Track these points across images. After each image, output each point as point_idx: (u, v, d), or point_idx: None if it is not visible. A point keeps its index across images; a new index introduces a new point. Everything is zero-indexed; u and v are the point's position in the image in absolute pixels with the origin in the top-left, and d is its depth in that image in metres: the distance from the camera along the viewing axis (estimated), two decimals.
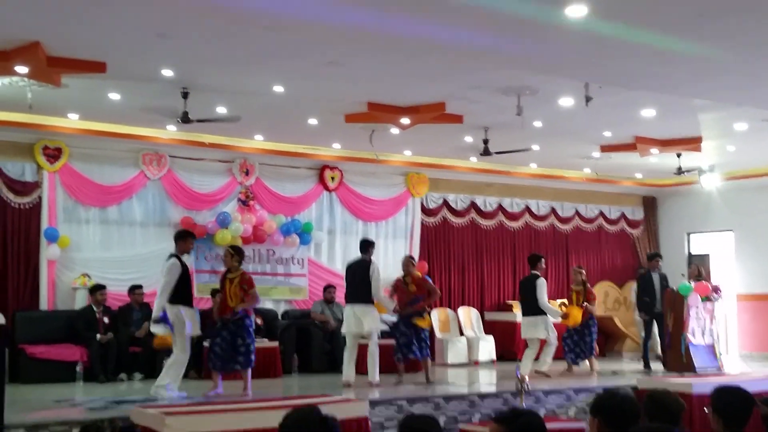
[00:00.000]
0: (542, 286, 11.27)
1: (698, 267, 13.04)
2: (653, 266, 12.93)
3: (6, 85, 8.84)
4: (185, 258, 9.26)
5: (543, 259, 11.80)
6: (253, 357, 9.14)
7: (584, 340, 11.69)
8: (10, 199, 11.14)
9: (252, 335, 9.19)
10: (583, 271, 12.37)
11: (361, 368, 10.19)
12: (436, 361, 13.37)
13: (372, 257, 10.35)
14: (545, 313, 11.24)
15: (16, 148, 11.18)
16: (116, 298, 11.38)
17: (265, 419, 6.42)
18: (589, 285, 12.28)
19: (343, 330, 10.16)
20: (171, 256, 9.13)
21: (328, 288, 12.69)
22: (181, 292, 9.03)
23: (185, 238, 9.39)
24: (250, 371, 9.14)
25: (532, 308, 11.29)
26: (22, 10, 6.81)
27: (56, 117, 10.72)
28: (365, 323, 9.95)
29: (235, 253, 9.35)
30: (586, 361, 11.84)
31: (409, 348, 10.24)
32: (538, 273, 11.42)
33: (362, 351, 10.20)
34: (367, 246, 10.43)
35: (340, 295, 12.64)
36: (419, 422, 3.48)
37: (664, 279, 12.79)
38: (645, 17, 6.52)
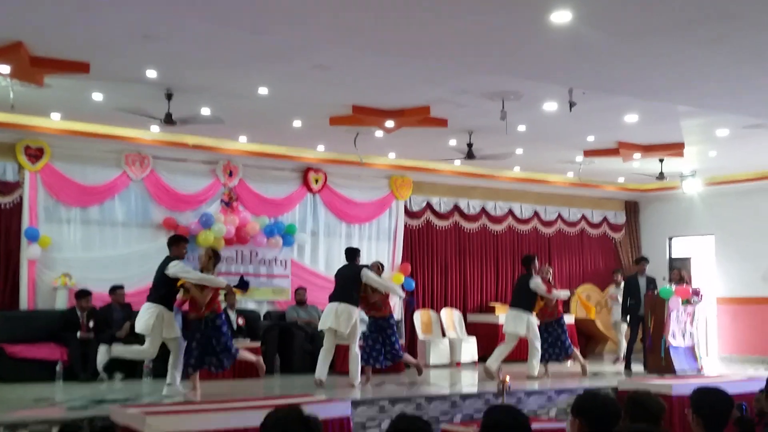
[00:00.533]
0: (538, 282, 11.55)
1: (680, 271, 13.17)
2: (640, 270, 13.03)
3: None
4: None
5: (536, 258, 12.01)
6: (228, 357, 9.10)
7: (560, 339, 11.63)
8: None
9: (226, 334, 9.13)
10: (551, 270, 12.34)
11: (343, 368, 10.29)
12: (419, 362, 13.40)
13: (359, 263, 10.54)
14: (531, 311, 11.36)
15: None
16: (97, 298, 11.31)
17: (247, 419, 6.44)
18: (555, 284, 12.28)
19: (320, 326, 10.23)
20: (169, 259, 9.19)
21: (299, 290, 12.79)
22: (166, 296, 9.06)
23: (178, 242, 9.49)
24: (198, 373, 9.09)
25: (520, 302, 11.54)
26: (4, 10, 6.76)
27: (38, 117, 10.65)
28: (341, 322, 9.98)
29: (213, 256, 9.31)
30: (568, 362, 11.87)
31: (377, 358, 10.35)
32: (533, 272, 11.64)
33: (344, 352, 10.27)
34: (353, 254, 10.60)
35: (313, 296, 12.69)
36: (409, 423, 3.49)
37: (651, 282, 12.90)
38: (629, 24, 6.57)
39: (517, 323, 11.42)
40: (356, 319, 10.14)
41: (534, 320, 11.49)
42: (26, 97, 9.23)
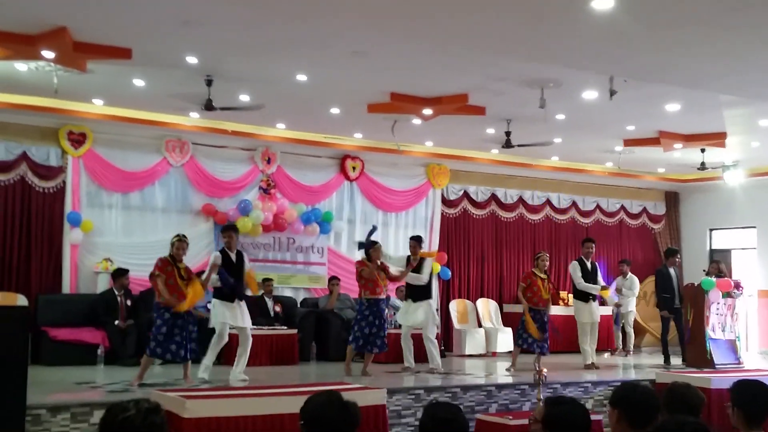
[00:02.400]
0: (575, 269, 11.70)
1: (718, 264, 12.98)
2: (671, 263, 12.87)
3: (32, 69, 8.93)
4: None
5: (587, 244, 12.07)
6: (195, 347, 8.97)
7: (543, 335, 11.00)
8: (34, 183, 11.25)
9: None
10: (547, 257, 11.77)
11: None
12: (454, 351, 13.43)
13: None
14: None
15: (41, 133, 11.29)
16: (137, 282, 11.47)
17: (284, 405, 6.49)
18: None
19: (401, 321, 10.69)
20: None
21: (332, 280, 12.73)
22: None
23: (224, 231, 9.57)
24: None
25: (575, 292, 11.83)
26: None
27: (81, 102, 10.80)
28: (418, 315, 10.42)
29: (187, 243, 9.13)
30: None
31: (374, 342, 9.92)
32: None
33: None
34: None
35: (351, 284, 12.59)
36: (443, 410, 3.50)
37: (678, 275, 12.77)
38: (671, 11, 6.48)
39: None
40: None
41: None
42: (69, 82, 9.36)
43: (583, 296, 11.71)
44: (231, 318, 9.12)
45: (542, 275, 11.15)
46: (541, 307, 11.06)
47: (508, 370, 10.83)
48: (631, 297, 14.05)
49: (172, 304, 8.64)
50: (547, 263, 11.57)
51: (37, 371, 8.82)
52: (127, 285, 11.07)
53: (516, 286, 15.04)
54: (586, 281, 11.68)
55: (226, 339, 9.22)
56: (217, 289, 9.19)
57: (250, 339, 9.33)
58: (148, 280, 9.80)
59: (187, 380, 8.75)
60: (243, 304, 9.28)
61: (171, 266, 8.82)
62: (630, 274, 14.11)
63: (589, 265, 11.85)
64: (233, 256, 9.27)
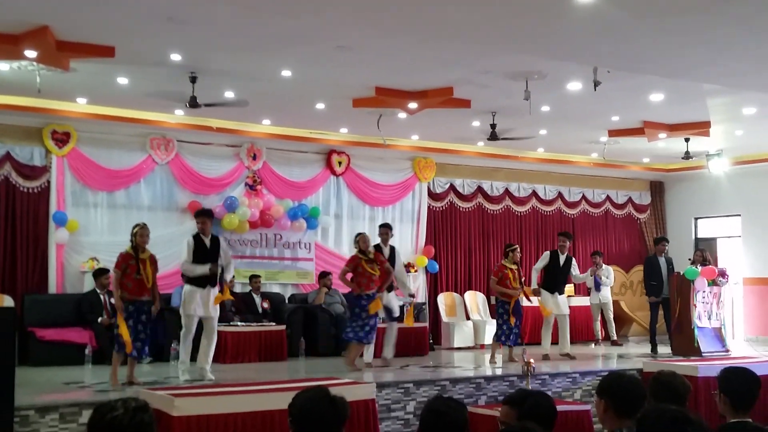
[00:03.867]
0: (543, 258, 12.00)
1: (703, 253, 13.05)
2: (660, 250, 12.94)
3: (15, 69, 8.88)
4: None
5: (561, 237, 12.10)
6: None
7: (519, 325, 11.07)
8: (19, 183, 11.19)
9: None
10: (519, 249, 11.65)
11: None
12: (443, 344, 13.47)
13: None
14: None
15: (24, 133, 11.22)
16: None
17: (273, 401, 6.49)
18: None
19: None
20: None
21: (324, 275, 12.68)
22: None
23: (197, 216, 9.45)
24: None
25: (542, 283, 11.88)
26: None
27: (65, 101, 10.75)
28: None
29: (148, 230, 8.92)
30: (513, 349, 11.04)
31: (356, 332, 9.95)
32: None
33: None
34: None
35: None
36: (444, 405, 3.53)
37: (670, 263, 12.81)
38: (654, 3, 6.50)
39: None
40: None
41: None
42: (52, 81, 9.31)
43: (549, 287, 11.75)
44: (198, 308, 8.93)
45: (512, 266, 11.12)
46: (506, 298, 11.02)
47: (491, 363, 10.82)
48: (608, 286, 14.13)
49: (129, 298, 8.47)
50: (519, 255, 11.54)
51: (24, 372, 8.79)
52: (108, 285, 11.01)
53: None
54: (556, 275, 11.75)
55: (194, 332, 9.00)
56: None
57: (216, 330, 9.17)
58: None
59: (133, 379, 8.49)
60: (215, 290, 9.05)
61: (133, 259, 8.57)
62: (604, 265, 14.14)
63: (562, 258, 11.84)
64: (207, 241, 9.11)
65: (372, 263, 10.03)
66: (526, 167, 15.33)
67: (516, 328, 10.91)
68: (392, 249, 10.65)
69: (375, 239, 10.64)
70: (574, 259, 12.23)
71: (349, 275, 10.02)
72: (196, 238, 9.13)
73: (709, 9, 6.63)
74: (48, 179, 11.37)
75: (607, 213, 16.64)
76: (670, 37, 7.49)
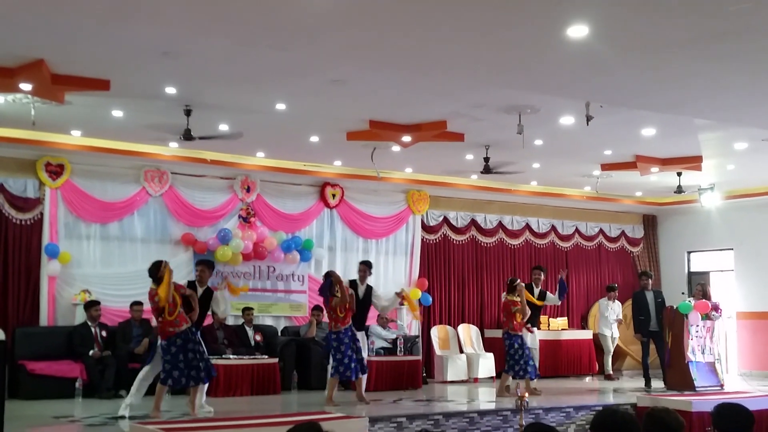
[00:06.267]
0: None
1: (703, 287, 13.03)
2: (644, 285, 13.01)
3: (10, 102, 8.90)
4: None
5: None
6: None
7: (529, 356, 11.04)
8: (11, 215, 11.16)
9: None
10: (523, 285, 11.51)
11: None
12: (436, 378, 13.40)
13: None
14: None
15: (18, 165, 11.22)
16: (116, 314, 11.40)
17: None
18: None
19: None
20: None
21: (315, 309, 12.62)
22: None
23: (198, 264, 9.61)
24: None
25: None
26: (27, 28, 6.85)
27: (59, 134, 10.76)
28: None
29: None
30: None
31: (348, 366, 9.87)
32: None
33: None
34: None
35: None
36: None
37: (658, 296, 12.85)
38: (646, 38, 6.56)
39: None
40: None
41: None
42: (47, 114, 9.34)
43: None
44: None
45: (516, 299, 11.06)
46: (518, 331, 11.01)
47: (507, 390, 10.76)
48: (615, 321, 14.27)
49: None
50: (523, 289, 11.38)
51: (15, 405, 8.73)
52: (98, 317, 10.96)
53: (497, 310, 15.10)
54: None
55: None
56: None
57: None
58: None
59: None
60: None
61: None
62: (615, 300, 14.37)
63: (537, 292, 12.05)
64: (200, 291, 9.12)
65: (342, 300, 9.94)
66: (520, 200, 15.37)
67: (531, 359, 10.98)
68: (368, 288, 10.62)
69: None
70: (548, 292, 12.44)
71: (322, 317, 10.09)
72: (191, 286, 9.13)
73: (697, 45, 6.69)
74: (41, 211, 11.35)
75: (601, 246, 16.67)
76: (661, 72, 7.55)
